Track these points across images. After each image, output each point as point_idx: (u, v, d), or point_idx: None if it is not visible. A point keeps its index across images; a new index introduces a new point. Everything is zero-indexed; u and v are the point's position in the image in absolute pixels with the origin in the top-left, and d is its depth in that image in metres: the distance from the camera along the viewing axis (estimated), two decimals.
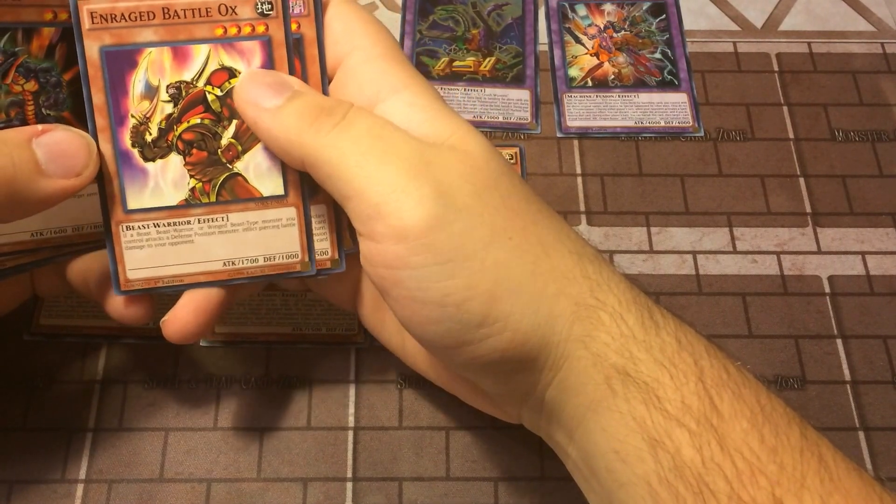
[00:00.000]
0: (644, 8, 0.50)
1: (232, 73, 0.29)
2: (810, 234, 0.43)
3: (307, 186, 0.30)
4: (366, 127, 0.27)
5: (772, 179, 0.45)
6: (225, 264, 0.30)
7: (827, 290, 0.41)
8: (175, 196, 0.30)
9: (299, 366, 0.39)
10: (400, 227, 0.26)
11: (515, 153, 0.45)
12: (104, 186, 0.29)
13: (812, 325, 0.40)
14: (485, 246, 0.26)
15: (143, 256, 0.30)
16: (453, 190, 0.26)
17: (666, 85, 0.47)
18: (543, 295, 0.26)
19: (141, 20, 0.28)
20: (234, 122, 0.29)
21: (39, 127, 0.28)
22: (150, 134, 0.29)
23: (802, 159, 0.45)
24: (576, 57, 0.48)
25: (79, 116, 0.30)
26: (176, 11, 0.28)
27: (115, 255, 0.30)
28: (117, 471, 0.36)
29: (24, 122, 0.30)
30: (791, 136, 0.46)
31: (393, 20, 0.50)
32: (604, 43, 0.49)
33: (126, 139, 0.29)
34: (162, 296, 0.31)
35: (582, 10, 0.50)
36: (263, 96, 0.28)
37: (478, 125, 0.46)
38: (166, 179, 0.29)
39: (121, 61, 0.28)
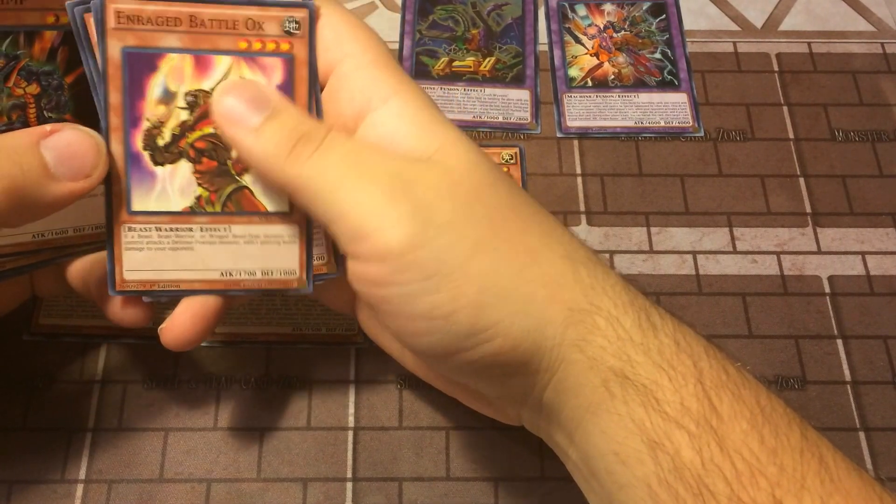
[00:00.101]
0: (644, 8, 0.50)
1: None
2: (810, 234, 0.43)
3: None
4: (343, 152, 0.27)
5: (772, 179, 0.45)
6: (223, 274, 0.30)
7: (827, 290, 0.41)
8: (180, 202, 0.30)
9: (299, 366, 0.39)
10: (381, 248, 0.26)
11: (515, 153, 0.45)
12: (111, 185, 0.29)
13: (812, 326, 0.40)
14: (468, 259, 0.26)
15: (142, 259, 0.30)
16: (433, 206, 0.26)
17: (666, 85, 0.47)
18: (532, 302, 0.26)
19: (167, 25, 0.28)
20: None
21: (48, 127, 0.27)
22: (163, 138, 0.29)
23: (802, 159, 0.45)
24: (576, 57, 0.48)
25: (81, 119, 0.30)
26: (203, 21, 0.28)
27: (113, 254, 0.30)
28: (117, 471, 0.36)
29: (26, 125, 0.30)
30: (791, 136, 0.46)
31: (392, 20, 0.50)
32: (604, 43, 0.49)
33: (138, 141, 0.29)
34: (160, 302, 0.31)
35: (582, 10, 0.50)
36: (242, 113, 0.28)
37: (478, 125, 0.46)
38: (173, 185, 0.29)
39: (142, 64, 0.28)
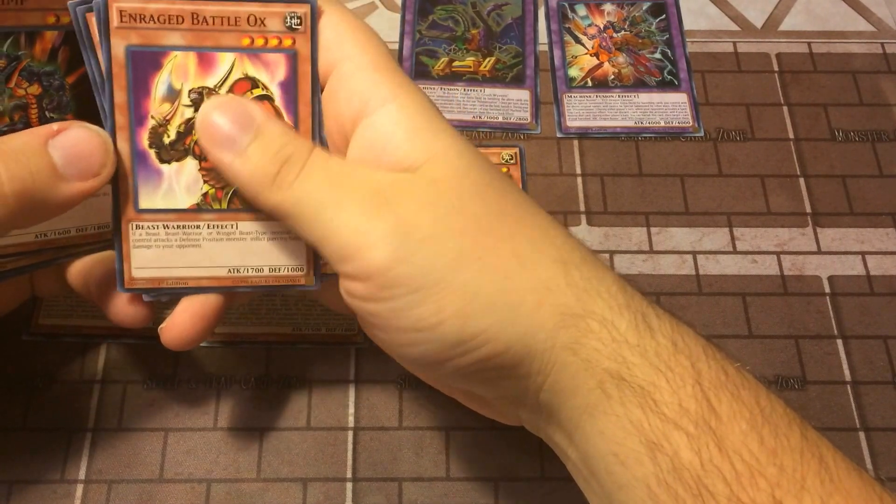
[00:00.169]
0: (644, 8, 0.50)
1: (255, 83, 0.29)
2: (810, 234, 0.43)
3: None
4: (325, 173, 0.27)
5: (772, 179, 0.45)
6: (230, 271, 0.31)
7: (827, 290, 0.41)
8: (187, 199, 0.30)
9: (299, 366, 0.39)
10: (364, 268, 0.26)
11: (515, 153, 0.45)
12: (118, 184, 0.29)
13: (812, 326, 0.40)
14: (451, 270, 0.26)
15: (150, 256, 0.30)
16: (414, 221, 0.26)
17: (666, 85, 0.47)
18: (519, 308, 0.26)
19: (170, 23, 0.28)
20: None
21: (55, 126, 0.27)
22: (168, 136, 0.29)
23: (802, 159, 0.45)
24: (576, 57, 0.48)
25: (83, 119, 0.30)
26: (205, 18, 0.28)
27: (122, 252, 0.30)
28: (117, 471, 0.36)
29: (28, 126, 0.30)
30: (791, 136, 0.46)
31: (392, 20, 0.50)
32: (604, 43, 0.49)
33: (144, 139, 0.29)
34: (161, 301, 0.31)
35: (582, 10, 0.50)
36: (227, 136, 0.28)
37: (477, 125, 0.46)
38: (180, 182, 0.29)
39: (146, 62, 0.28)
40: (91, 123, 0.28)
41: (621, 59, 0.48)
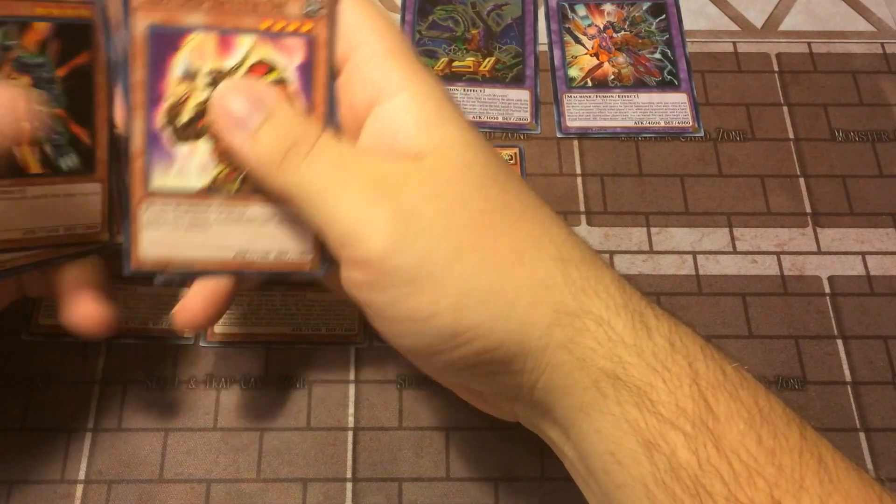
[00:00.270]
0: (644, 8, 0.50)
1: (272, 67, 0.29)
2: (810, 235, 0.43)
3: None
4: (331, 157, 0.28)
5: (772, 179, 0.45)
6: (237, 255, 0.31)
7: (827, 290, 0.41)
8: (199, 181, 0.30)
9: (299, 366, 0.39)
10: (361, 256, 0.26)
11: (515, 153, 0.45)
12: (130, 163, 0.29)
13: (812, 326, 0.40)
14: (449, 263, 0.26)
15: (159, 237, 0.30)
16: (416, 211, 0.26)
17: (666, 85, 0.47)
18: (515, 304, 0.26)
19: (192, 2, 0.28)
20: None
21: None
22: (183, 117, 0.29)
23: (802, 159, 0.45)
24: (575, 57, 0.48)
25: (74, 113, 0.30)
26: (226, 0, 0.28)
27: (130, 232, 0.30)
28: (117, 471, 0.36)
29: None
30: (791, 136, 0.46)
31: (392, 20, 0.50)
32: (604, 43, 0.49)
33: (158, 119, 0.29)
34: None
35: (582, 10, 0.50)
36: (240, 115, 0.28)
37: (477, 125, 0.46)
38: (192, 163, 0.30)
39: (165, 41, 0.28)
40: (82, 117, 0.29)
41: (621, 59, 0.48)
